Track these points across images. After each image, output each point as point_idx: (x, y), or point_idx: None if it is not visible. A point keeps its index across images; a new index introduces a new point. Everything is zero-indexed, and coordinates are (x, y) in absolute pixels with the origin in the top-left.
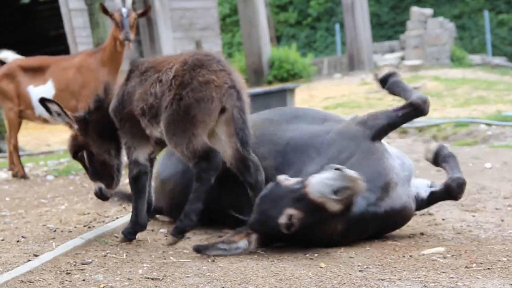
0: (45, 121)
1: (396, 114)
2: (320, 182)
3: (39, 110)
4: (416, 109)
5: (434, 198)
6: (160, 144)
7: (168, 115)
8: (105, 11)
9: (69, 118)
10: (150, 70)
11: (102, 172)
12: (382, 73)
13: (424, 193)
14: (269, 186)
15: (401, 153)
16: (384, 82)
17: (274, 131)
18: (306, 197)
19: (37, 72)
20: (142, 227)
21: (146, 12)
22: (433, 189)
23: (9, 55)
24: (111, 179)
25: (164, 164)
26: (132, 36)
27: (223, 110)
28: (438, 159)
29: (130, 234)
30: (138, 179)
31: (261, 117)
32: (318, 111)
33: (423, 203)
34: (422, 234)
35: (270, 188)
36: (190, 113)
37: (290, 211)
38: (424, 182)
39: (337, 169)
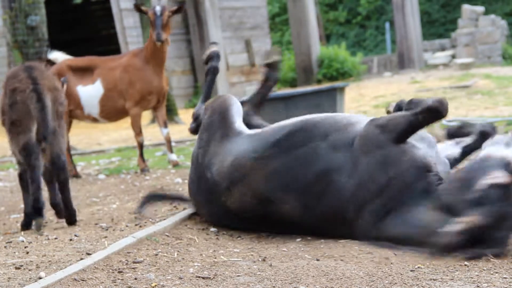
0: (94, 120)
1: (416, 118)
2: None
3: (88, 109)
4: (435, 112)
5: (470, 148)
6: None
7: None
8: (139, 10)
9: None
10: (1, 84)
11: None
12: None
13: (455, 151)
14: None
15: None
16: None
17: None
18: None
19: (85, 72)
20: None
21: (180, 9)
22: (464, 143)
23: (59, 56)
24: None
25: (191, 176)
26: (164, 36)
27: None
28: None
29: (27, 224)
30: (20, 177)
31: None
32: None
33: (458, 160)
34: None
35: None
36: (7, 116)
37: (498, 173)
38: (447, 144)
39: None
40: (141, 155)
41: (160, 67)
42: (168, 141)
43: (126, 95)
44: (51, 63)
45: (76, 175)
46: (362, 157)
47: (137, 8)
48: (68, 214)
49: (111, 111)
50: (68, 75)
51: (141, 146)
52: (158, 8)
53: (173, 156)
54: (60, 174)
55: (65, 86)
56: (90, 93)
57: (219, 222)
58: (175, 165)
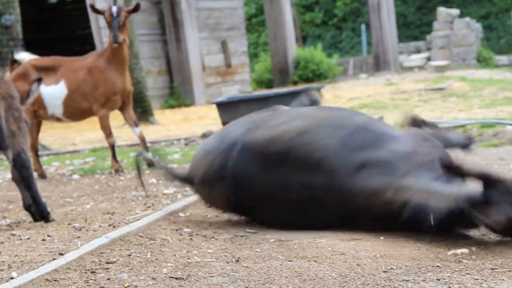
0: (58, 120)
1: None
2: None
3: (52, 109)
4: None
5: None
6: None
7: None
8: (96, 11)
9: None
10: None
11: None
12: None
13: None
14: None
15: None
16: None
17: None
18: None
19: (49, 72)
20: None
21: (136, 8)
22: None
23: (25, 56)
24: None
25: (212, 139)
26: (121, 37)
27: None
28: None
29: None
30: None
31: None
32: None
33: None
34: (446, 235)
35: None
36: None
37: None
38: None
39: None
40: (114, 156)
41: (122, 67)
42: (142, 139)
43: (90, 98)
44: (17, 63)
45: (42, 175)
46: (413, 137)
47: (93, 9)
48: (38, 210)
49: (75, 112)
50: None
51: (112, 147)
52: (114, 9)
53: (149, 155)
54: (22, 171)
55: (35, 86)
56: (53, 93)
57: (216, 184)
58: (150, 164)
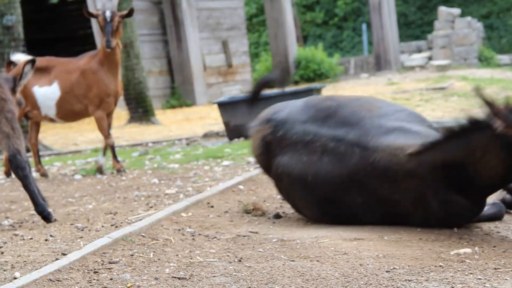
0: (51, 120)
1: None
2: None
3: (45, 110)
4: None
5: None
6: None
7: None
8: (90, 14)
9: None
10: None
11: None
12: None
13: None
14: None
15: None
16: None
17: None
18: None
19: (43, 73)
20: None
21: (130, 13)
22: None
23: (21, 57)
24: None
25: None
26: (114, 42)
27: None
28: None
29: None
30: None
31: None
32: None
33: None
34: (449, 234)
35: None
36: None
37: None
38: None
39: None
40: (115, 156)
41: (115, 70)
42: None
43: (85, 100)
44: (14, 64)
45: (7, 174)
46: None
47: (87, 12)
48: (37, 211)
49: (68, 113)
50: None
51: (112, 148)
52: (108, 14)
53: (102, 160)
54: (18, 172)
55: (28, 67)
56: (46, 94)
57: (262, 124)
58: (99, 168)
